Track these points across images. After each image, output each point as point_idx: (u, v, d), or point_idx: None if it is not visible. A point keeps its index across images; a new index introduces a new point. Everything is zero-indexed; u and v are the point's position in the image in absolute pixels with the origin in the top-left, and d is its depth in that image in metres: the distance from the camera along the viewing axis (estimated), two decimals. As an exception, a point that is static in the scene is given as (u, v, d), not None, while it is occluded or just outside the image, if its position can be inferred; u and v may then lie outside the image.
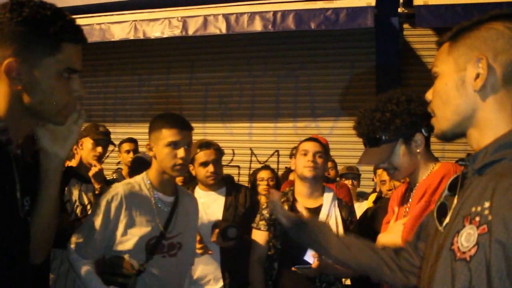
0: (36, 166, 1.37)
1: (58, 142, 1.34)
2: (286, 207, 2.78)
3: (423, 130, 1.82)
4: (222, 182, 3.10)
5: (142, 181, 2.32)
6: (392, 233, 1.86)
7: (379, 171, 4.48)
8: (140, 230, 2.20)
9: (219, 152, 3.06)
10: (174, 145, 2.23)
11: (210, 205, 3.00)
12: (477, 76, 1.00)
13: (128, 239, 2.18)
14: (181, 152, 2.23)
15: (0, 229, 1.19)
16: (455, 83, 1.05)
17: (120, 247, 2.19)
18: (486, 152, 1.00)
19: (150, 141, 2.31)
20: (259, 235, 2.83)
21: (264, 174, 4.33)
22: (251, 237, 2.88)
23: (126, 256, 2.18)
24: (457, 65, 1.05)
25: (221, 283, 2.93)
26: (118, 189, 2.23)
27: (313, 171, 2.71)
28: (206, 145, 3.01)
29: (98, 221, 2.17)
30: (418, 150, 1.82)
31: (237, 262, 2.90)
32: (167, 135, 2.23)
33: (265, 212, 2.85)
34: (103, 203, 2.19)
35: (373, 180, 5.04)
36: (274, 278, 2.72)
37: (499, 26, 1.01)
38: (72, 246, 2.19)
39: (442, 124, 1.10)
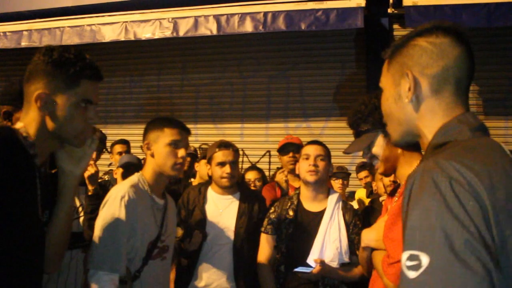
0: (55, 183, 1.59)
1: (73, 162, 1.61)
2: (291, 211, 2.80)
3: None
4: (237, 187, 3.07)
5: (140, 182, 2.28)
6: (375, 229, 1.91)
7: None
8: (145, 234, 2.19)
9: (237, 154, 3.05)
10: (175, 144, 2.25)
11: (224, 210, 2.98)
12: (409, 88, 1.12)
13: (135, 243, 2.14)
14: (181, 152, 2.25)
15: (20, 231, 1.36)
16: (393, 97, 1.18)
17: (130, 250, 2.13)
18: (426, 155, 1.10)
19: (148, 140, 2.30)
20: (267, 239, 2.85)
21: (251, 175, 4.34)
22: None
23: (128, 261, 2.13)
24: (394, 81, 1.17)
25: None
26: (127, 192, 2.15)
27: (315, 176, 2.73)
28: (225, 145, 3.00)
29: (117, 231, 2.06)
30: None
31: (249, 269, 2.90)
32: (169, 134, 2.25)
33: (272, 216, 2.86)
34: (113, 210, 2.08)
35: (360, 180, 5.09)
36: (281, 281, 2.73)
37: (422, 42, 1.12)
38: (96, 267, 2.01)
39: (393, 134, 1.23)
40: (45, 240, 1.53)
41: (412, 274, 0.85)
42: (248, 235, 2.93)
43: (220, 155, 2.94)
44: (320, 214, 2.75)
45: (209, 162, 2.99)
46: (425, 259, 0.84)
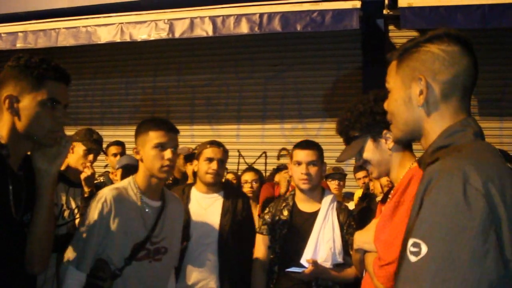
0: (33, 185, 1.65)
1: (48, 161, 1.66)
2: (286, 212, 2.80)
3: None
4: (220, 186, 3.08)
5: (129, 186, 2.30)
6: (368, 231, 1.91)
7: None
8: (126, 235, 2.19)
9: (226, 154, 3.09)
10: (161, 146, 2.24)
11: (207, 208, 2.99)
12: (420, 92, 1.18)
13: (114, 244, 2.17)
14: (168, 154, 2.24)
15: None
16: (403, 99, 1.23)
17: (106, 251, 2.17)
18: (427, 154, 1.19)
19: (136, 145, 2.32)
20: (262, 240, 2.85)
21: (247, 176, 4.35)
22: (247, 245, 2.90)
23: (107, 259, 2.16)
24: (404, 84, 1.23)
25: None
26: (106, 194, 2.20)
27: (307, 184, 2.73)
28: (216, 143, 3.04)
29: (90, 232, 2.14)
30: (389, 147, 1.87)
31: (235, 267, 2.90)
32: (154, 137, 2.25)
33: (266, 216, 2.87)
34: (92, 212, 2.16)
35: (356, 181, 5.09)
36: (275, 281, 2.74)
37: (434, 49, 1.18)
38: (67, 263, 2.13)
39: (396, 133, 1.30)
40: (24, 240, 1.60)
41: (413, 259, 0.97)
42: (233, 233, 2.93)
43: (209, 151, 2.98)
44: (314, 214, 2.75)
45: (198, 158, 3.01)
46: (424, 248, 0.96)
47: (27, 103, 1.56)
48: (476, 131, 1.15)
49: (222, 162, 3.00)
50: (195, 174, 3.17)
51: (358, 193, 4.77)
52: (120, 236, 2.18)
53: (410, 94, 1.20)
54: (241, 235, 2.93)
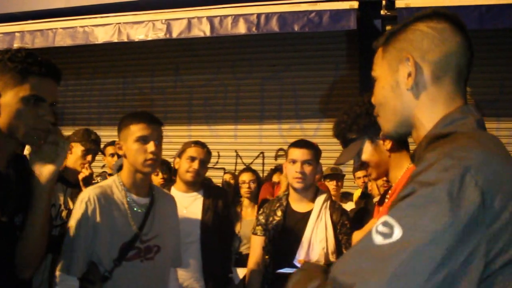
0: (26, 186, 1.58)
1: (46, 163, 1.58)
2: (280, 212, 2.80)
3: None
4: (200, 185, 3.10)
5: (113, 184, 2.23)
6: (365, 232, 1.92)
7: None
8: (114, 235, 2.12)
9: (209, 156, 3.10)
10: (143, 139, 2.16)
11: (188, 207, 2.99)
12: (409, 74, 1.05)
13: (102, 244, 2.09)
14: (151, 146, 2.16)
15: None
16: (390, 85, 1.10)
17: (96, 252, 2.09)
18: (420, 147, 1.05)
19: (119, 141, 2.25)
20: (257, 241, 2.85)
21: (245, 177, 4.35)
22: (227, 242, 2.90)
23: (97, 261, 2.09)
24: (391, 68, 1.10)
25: (199, 286, 2.92)
26: (89, 194, 2.13)
27: (301, 183, 2.72)
28: (200, 144, 3.06)
29: (77, 234, 2.06)
30: (386, 148, 1.87)
31: (218, 264, 2.91)
32: (135, 130, 2.17)
33: (261, 217, 2.87)
34: (77, 213, 2.09)
35: (354, 182, 5.10)
36: (269, 281, 2.74)
37: (423, 27, 1.06)
38: (59, 272, 2.05)
39: (385, 125, 1.15)
40: (14, 243, 1.54)
41: (378, 240, 0.82)
42: (215, 231, 2.94)
43: (192, 151, 3.00)
44: (308, 214, 2.75)
45: (180, 156, 3.02)
46: (397, 232, 0.81)
47: (9, 99, 1.48)
48: (478, 119, 1.02)
49: (203, 162, 3.02)
50: (175, 172, 3.19)
51: (358, 193, 4.78)
52: (107, 236, 2.10)
53: (398, 78, 1.08)
54: (223, 232, 2.93)
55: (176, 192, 3.05)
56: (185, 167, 2.98)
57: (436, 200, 0.82)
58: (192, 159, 2.97)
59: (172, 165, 4.83)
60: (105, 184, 2.24)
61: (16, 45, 6.12)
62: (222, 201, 3.09)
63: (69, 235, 2.08)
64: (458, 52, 1.05)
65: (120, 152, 2.25)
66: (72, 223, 2.09)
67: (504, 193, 0.84)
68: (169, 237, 2.36)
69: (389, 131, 1.15)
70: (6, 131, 1.49)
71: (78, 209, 2.09)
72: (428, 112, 1.05)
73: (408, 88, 1.06)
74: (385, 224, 0.84)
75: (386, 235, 0.82)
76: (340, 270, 0.85)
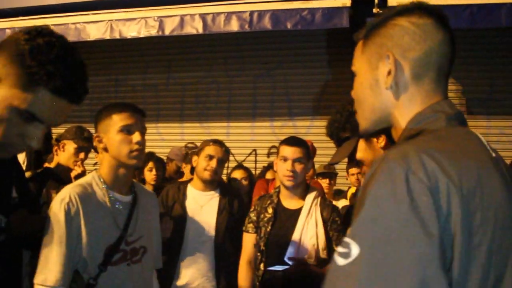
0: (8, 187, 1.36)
1: None
2: (270, 209, 2.81)
3: None
4: (217, 184, 3.09)
5: (93, 181, 2.00)
6: None
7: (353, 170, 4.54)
8: (98, 237, 1.91)
9: (227, 155, 3.10)
10: (128, 130, 1.97)
11: (204, 206, 2.99)
12: (389, 73, 1.00)
13: (86, 249, 1.87)
14: (136, 137, 1.97)
15: None
16: (369, 82, 1.05)
17: (80, 258, 1.87)
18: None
19: (98, 132, 2.04)
20: (248, 238, 2.86)
21: (237, 174, 4.35)
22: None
23: (80, 269, 1.88)
24: (370, 65, 1.05)
25: (211, 287, 2.91)
26: (69, 193, 1.89)
27: (292, 181, 2.72)
28: (219, 142, 3.05)
29: (60, 239, 1.81)
30: (380, 146, 1.89)
31: (231, 265, 2.91)
32: (118, 119, 1.98)
33: (252, 214, 2.87)
34: (57, 216, 1.82)
35: (347, 179, 5.11)
36: (260, 279, 2.75)
37: (403, 22, 1.01)
38: (41, 283, 1.78)
39: (362, 123, 1.10)
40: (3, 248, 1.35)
41: (340, 261, 0.81)
42: (229, 232, 2.94)
43: (211, 149, 2.98)
44: (298, 211, 2.76)
45: (198, 154, 3.02)
46: (355, 250, 0.79)
47: (1, 95, 1.10)
48: (449, 115, 0.97)
49: (221, 161, 3.01)
50: (193, 170, 3.19)
51: (352, 190, 4.80)
52: (91, 240, 1.87)
53: (377, 76, 1.02)
54: (237, 233, 2.94)
55: (193, 190, 3.05)
56: (203, 165, 2.97)
57: (387, 209, 0.79)
58: (210, 157, 2.96)
59: (166, 163, 4.85)
60: (84, 181, 2.00)
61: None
62: (237, 202, 3.08)
63: (49, 243, 1.80)
64: (440, 49, 1.00)
65: (100, 146, 2.02)
66: (52, 228, 1.81)
67: (458, 193, 0.81)
68: (153, 236, 2.21)
69: (367, 129, 1.10)
70: None
71: (58, 211, 1.83)
72: (406, 111, 1.01)
73: (387, 87, 1.01)
74: (344, 244, 0.82)
75: (345, 255, 0.80)
76: None
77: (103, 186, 2.00)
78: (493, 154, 0.94)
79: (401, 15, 1.02)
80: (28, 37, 1.09)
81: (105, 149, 2.01)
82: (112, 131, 1.98)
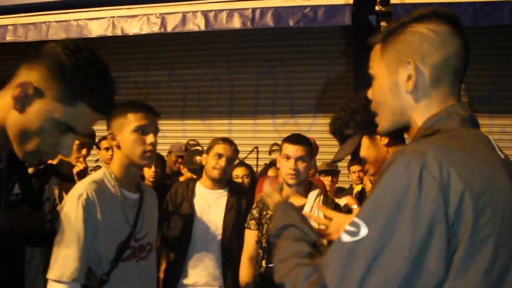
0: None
1: None
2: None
3: None
4: (225, 183, 3.09)
5: (105, 177, 2.02)
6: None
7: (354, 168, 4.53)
8: (111, 234, 1.93)
9: (236, 154, 3.09)
10: (142, 130, 2.02)
11: (212, 204, 2.99)
12: (408, 77, 1.06)
13: (101, 245, 1.89)
14: (150, 138, 2.02)
15: None
16: (389, 86, 1.11)
17: (92, 254, 1.88)
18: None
19: (112, 129, 2.06)
20: (250, 235, 2.86)
21: (239, 171, 4.35)
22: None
23: (93, 265, 1.90)
24: (389, 69, 1.11)
25: (218, 285, 2.92)
26: (86, 189, 1.89)
27: (294, 179, 2.71)
28: (229, 141, 3.04)
29: (79, 234, 1.81)
30: (384, 143, 1.88)
31: (237, 264, 2.92)
32: (134, 119, 2.01)
33: (254, 211, 2.87)
34: (74, 211, 1.82)
35: (348, 177, 5.11)
36: (263, 276, 2.75)
37: (422, 28, 1.07)
38: (56, 279, 1.77)
39: (382, 124, 1.17)
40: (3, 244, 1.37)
41: (346, 238, 0.90)
42: (236, 230, 2.94)
43: (220, 147, 2.98)
44: (301, 208, 2.76)
45: (208, 152, 3.02)
46: (363, 230, 0.88)
47: (40, 107, 1.14)
48: (463, 117, 1.04)
49: (231, 160, 3.01)
50: (202, 168, 3.18)
51: (358, 188, 4.80)
52: (106, 236, 1.90)
53: (397, 80, 1.09)
54: (243, 232, 2.94)
55: (202, 188, 3.05)
56: (212, 163, 2.96)
57: (398, 198, 0.87)
58: (220, 156, 2.95)
59: (166, 160, 4.85)
60: (97, 178, 2.00)
61: (8, 38, 6.06)
62: (245, 200, 3.08)
63: (67, 238, 1.80)
64: (457, 55, 1.06)
65: (113, 143, 2.05)
66: (70, 223, 1.82)
67: (469, 188, 0.88)
68: (155, 233, 2.26)
69: (386, 129, 1.17)
70: (14, 133, 1.17)
71: (75, 206, 1.83)
72: (424, 113, 1.07)
73: (407, 91, 1.07)
74: (353, 223, 0.90)
75: (353, 234, 0.89)
76: (324, 262, 0.93)
77: (115, 183, 2.02)
78: (502, 156, 1.02)
79: (419, 21, 1.08)
80: (68, 52, 1.15)
81: (118, 147, 2.04)
82: (126, 130, 2.01)
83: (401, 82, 1.08)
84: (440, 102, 1.06)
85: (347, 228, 0.91)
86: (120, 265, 1.94)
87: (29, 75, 1.15)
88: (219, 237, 2.92)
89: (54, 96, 1.14)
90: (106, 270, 1.91)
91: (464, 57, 1.08)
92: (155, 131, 2.07)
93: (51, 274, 1.77)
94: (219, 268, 2.90)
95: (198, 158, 4.11)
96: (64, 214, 1.84)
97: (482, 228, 0.87)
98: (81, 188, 1.90)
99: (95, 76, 1.17)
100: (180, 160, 4.86)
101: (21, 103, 1.14)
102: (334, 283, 0.87)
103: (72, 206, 1.84)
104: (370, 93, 1.19)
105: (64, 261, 1.78)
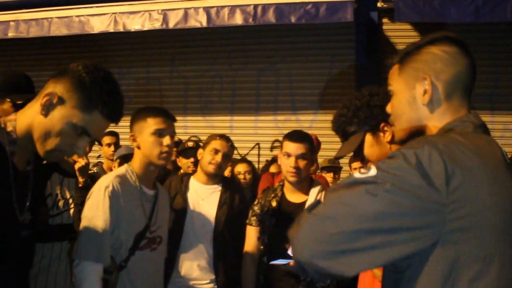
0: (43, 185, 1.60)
1: None
2: (274, 202, 2.81)
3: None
4: (220, 178, 3.11)
5: (127, 173, 2.29)
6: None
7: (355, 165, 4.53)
8: (130, 224, 2.19)
9: (233, 150, 3.15)
10: (160, 133, 2.26)
11: (205, 199, 3.01)
12: (425, 92, 1.22)
13: (122, 233, 2.16)
14: (166, 140, 2.26)
15: None
16: (407, 99, 1.27)
17: (113, 240, 2.14)
18: None
19: (133, 132, 2.33)
20: (252, 231, 2.86)
21: (240, 168, 4.35)
22: (242, 237, 2.91)
23: (113, 251, 2.14)
24: (407, 85, 1.27)
25: (209, 279, 2.94)
26: (112, 182, 2.16)
27: (295, 177, 2.71)
28: (226, 138, 3.08)
29: (105, 221, 2.08)
30: (387, 140, 1.88)
31: (229, 259, 2.93)
32: (152, 123, 2.27)
33: (256, 208, 2.87)
34: (101, 200, 2.10)
35: (350, 174, 5.11)
36: (264, 272, 2.75)
37: (435, 50, 1.24)
38: (82, 259, 2.04)
39: (399, 134, 1.34)
40: (25, 243, 1.49)
41: (357, 175, 1.08)
42: (229, 225, 2.95)
43: (217, 143, 3.00)
44: (302, 205, 2.75)
45: (204, 147, 3.03)
46: (372, 171, 1.06)
47: (63, 113, 1.41)
48: (476, 124, 1.19)
49: (227, 156, 3.03)
50: (197, 162, 3.20)
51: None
52: (126, 225, 2.17)
53: (414, 94, 1.25)
54: (236, 227, 2.94)
55: (196, 182, 3.06)
56: (208, 159, 2.98)
57: (408, 160, 1.04)
58: (216, 151, 2.97)
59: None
60: (120, 173, 2.28)
61: (10, 34, 6.07)
62: (239, 196, 3.09)
63: (91, 224, 2.08)
64: (466, 72, 1.24)
65: (134, 144, 2.32)
66: (97, 212, 2.09)
67: (466, 179, 1.03)
68: (166, 228, 2.50)
69: (402, 138, 1.33)
70: (38, 133, 1.42)
71: (102, 196, 2.11)
72: (438, 122, 1.23)
73: (424, 103, 1.23)
74: (365, 167, 1.09)
75: (364, 173, 1.07)
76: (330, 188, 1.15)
77: (136, 179, 2.28)
78: (509, 161, 1.17)
79: (432, 44, 1.25)
80: (88, 70, 1.45)
81: (138, 147, 2.30)
82: (145, 133, 2.27)
83: (418, 95, 1.24)
84: (453, 113, 1.22)
85: (361, 171, 1.08)
86: (136, 253, 2.20)
87: (55, 87, 1.43)
88: (211, 231, 2.93)
89: (74, 104, 1.42)
90: (124, 257, 2.16)
91: (472, 74, 1.25)
92: (172, 134, 2.31)
93: (80, 254, 2.04)
94: (210, 262, 2.92)
95: (190, 143, 4.22)
96: (91, 203, 2.12)
97: (486, 210, 1.04)
98: (108, 181, 2.17)
99: (108, 91, 1.46)
100: (175, 149, 4.86)
101: (46, 109, 1.41)
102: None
103: (99, 196, 2.11)
104: (389, 107, 1.36)
105: (92, 243, 2.06)
